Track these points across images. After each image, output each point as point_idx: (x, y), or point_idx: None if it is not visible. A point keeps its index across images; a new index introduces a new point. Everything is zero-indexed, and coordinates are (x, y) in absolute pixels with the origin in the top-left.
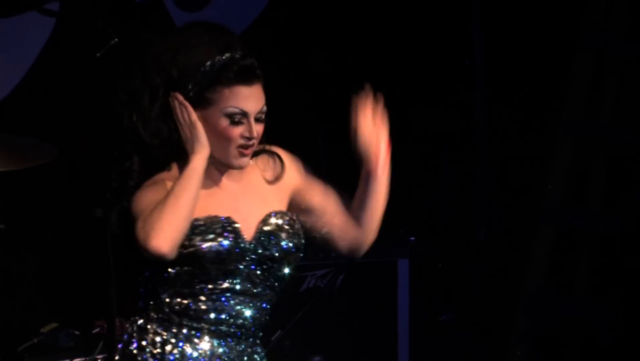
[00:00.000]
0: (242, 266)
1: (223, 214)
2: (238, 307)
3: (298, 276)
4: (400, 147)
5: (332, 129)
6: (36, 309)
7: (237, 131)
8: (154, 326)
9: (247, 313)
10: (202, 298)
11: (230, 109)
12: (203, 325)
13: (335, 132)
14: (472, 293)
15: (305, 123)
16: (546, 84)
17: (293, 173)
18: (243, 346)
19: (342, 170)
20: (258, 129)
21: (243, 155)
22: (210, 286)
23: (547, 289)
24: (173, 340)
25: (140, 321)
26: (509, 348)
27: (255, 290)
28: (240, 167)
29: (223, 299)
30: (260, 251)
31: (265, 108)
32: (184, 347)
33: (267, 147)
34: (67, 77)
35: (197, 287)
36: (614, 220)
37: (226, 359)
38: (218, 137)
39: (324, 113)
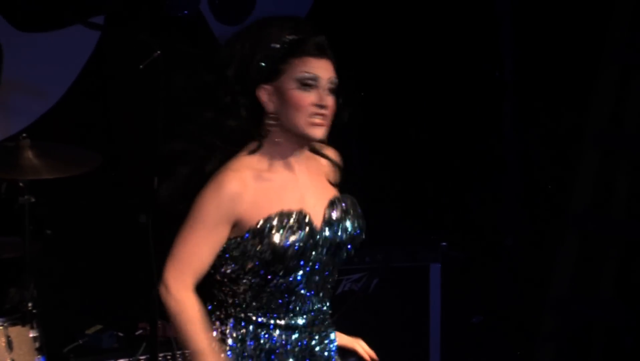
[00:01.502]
0: (315, 253)
1: (294, 207)
2: (309, 296)
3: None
4: (432, 156)
5: (367, 135)
6: (81, 311)
7: (309, 97)
8: (233, 321)
9: (317, 301)
10: (278, 293)
11: (301, 74)
12: (277, 320)
13: (370, 137)
14: (501, 297)
15: (340, 128)
16: (573, 95)
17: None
18: (316, 333)
19: (376, 174)
20: (329, 100)
21: (316, 125)
22: (286, 279)
23: (573, 293)
24: (252, 335)
25: (220, 314)
26: (537, 350)
27: (325, 274)
28: (316, 138)
29: (298, 290)
30: (330, 236)
31: (336, 80)
32: (261, 338)
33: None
34: (111, 88)
35: (273, 282)
36: (638, 227)
37: (299, 345)
38: (291, 107)
39: (357, 119)
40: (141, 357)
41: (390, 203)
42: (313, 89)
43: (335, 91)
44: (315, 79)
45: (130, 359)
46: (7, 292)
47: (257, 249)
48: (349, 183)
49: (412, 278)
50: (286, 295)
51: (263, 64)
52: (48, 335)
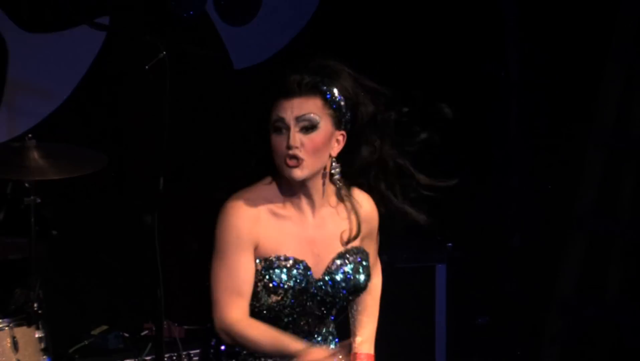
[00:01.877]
0: (308, 301)
1: (295, 253)
2: (308, 333)
3: None
4: (437, 156)
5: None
6: (87, 312)
7: (280, 140)
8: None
9: (318, 338)
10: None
11: (273, 118)
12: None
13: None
14: (507, 298)
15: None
16: (578, 96)
17: (373, 223)
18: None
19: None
20: (303, 139)
21: (288, 166)
22: (276, 315)
23: (579, 293)
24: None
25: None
26: (543, 350)
27: (318, 323)
28: (292, 179)
29: (289, 328)
30: (328, 287)
31: (310, 116)
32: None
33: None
34: (117, 88)
35: (264, 313)
36: None
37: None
38: (273, 152)
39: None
40: (147, 358)
41: (394, 203)
42: (284, 132)
43: (314, 126)
44: (281, 120)
45: (136, 359)
46: (13, 293)
47: (257, 279)
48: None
49: (418, 279)
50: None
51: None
52: (54, 336)
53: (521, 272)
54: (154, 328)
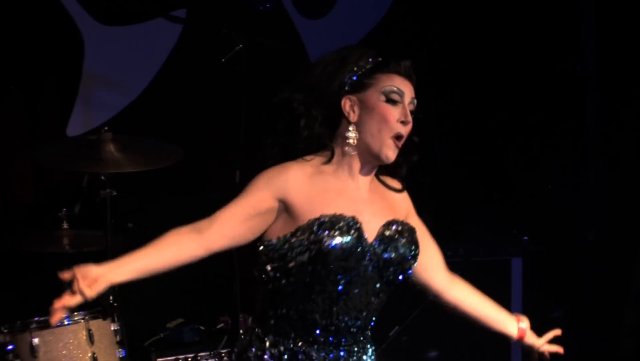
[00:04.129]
0: (361, 266)
1: (347, 213)
2: (350, 316)
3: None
4: (515, 152)
5: (447, 133)
6: (162, 305)
7: (394, 111)
8: (271, 337)
9: (357, 323)
10: (318, 304)
11: (388, 87)
12: (316, 337)
13: (449, 136)
14: (583, 291)
15: (422, 127)
16: None
17: (408, 202)
18: (355, 349)
19: (458, 169)
20: (411, 118)
21: (396, 147)
22: (327, 289)
23: None
24: (289, 352)
25: (259, 330)
26: (619, 344)
27: (367, 296)
28: (389, 160)
29: (339, 303)
30: (379, 252)
31: (416, 101)
32: (299, 358)
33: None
34: (193, 81)
35: (316, 289)
36: None
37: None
38: (375, 119)
39: (439, 118)
40: (222, 351)
41: (471, 198)
42: (398, 105)
43: (413, 113)
44: (401, 94)
45: (211, 352)
46: None
47: (303, 244)
48: (431, 178)
49: (494, 272)
50: (326, 311)
51: (349, 75)
52: (129, 329)
53: (597, 266)
54: (229, 321)
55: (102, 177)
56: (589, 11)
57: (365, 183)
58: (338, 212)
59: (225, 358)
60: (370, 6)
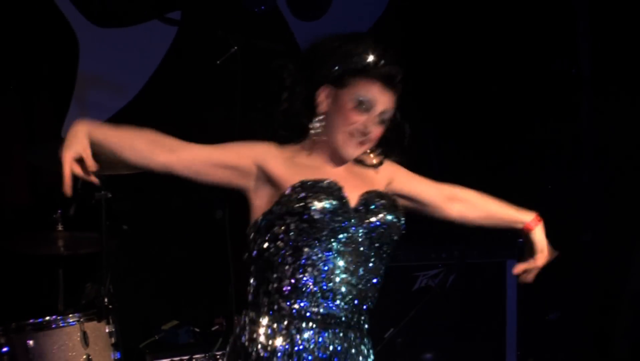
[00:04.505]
0: (349, 229)
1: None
2: (344, 283)
3: (411, 275)
4: (510, 153)
5: (443, 133)
6: (157, 307)
7: (359, 118)
8: (265, 319)
9: (353, 285)
10: (310, 270)
11: (361, 96)
12: (312, 312)
13: (445, 136)
14: (578, 293)
15: (417, 128)
16: None
17: (390, 166)
18: (352, 336)
19: (452, 170)
20: (376, 131)
21: (358, 145)
22: (316, 251)
23: None
24: (284, 332)
25: (252, 314)
26: (614, 346)
27: (360, 263)
28: (349, 157)
29: (330, 266)
30: (364, 218)
31: (389, 115)
32: (294, 338)
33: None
34: (188, 83)
35: (305, 252)
36: None
37: (335, 348)
38: (340, 119)
39: (435, 118)
40: (217, 353)
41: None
42: (364, 115)
43: (385, 123)
44: (371, 105)
45: (207, 355)
46: (84, 287)
47: (289, 208)
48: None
49: (489, 274)
50: (317, 276)
51: (336, 67)
52: (124, 331)
53: (592, 268)
54: (224, 323)
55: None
56: (584, 13)
57: (339, 165)
58: (319, 177)
59: (220, 360)
60: (365, 8)
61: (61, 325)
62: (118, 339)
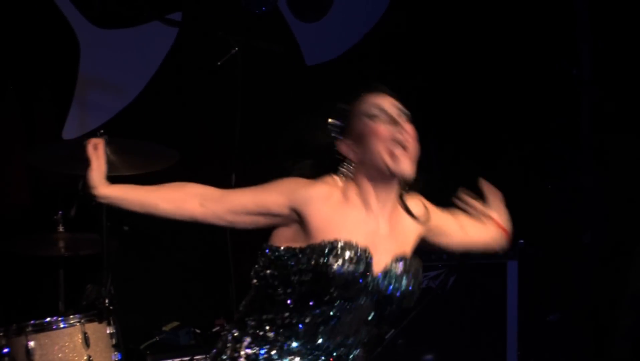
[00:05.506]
0: (360, 297)
1: (361, 242)
2: (334, 340)
3: None
4: (510, 154)
5: (443, 135)
6: (158, 308)
7: (386, 128)
8: (247, 340)
9: (340, 349)
10: (306, 319)
11: (374, 108)
12: (292, 348)
13: (445, 137)
14: (578, 294)
15: (418, 130)
16: None
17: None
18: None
19: (453, 172)
20: (409, 130)
21: (402, 154)
22: (321, 309)
23: None
24: (266, 356)
25: (236, 333)
26: (614, 347)
27: (358, 325)
28: (399, 169)
29: (328, 325)
30: (382, 286)
31: (403, 108)
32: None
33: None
34: (189, 84)
35: (310, 306)
36: None
37: None
38: (371, 142)
39: (435, 120)
40: None
41: None
42: (387, 123)
43: (410, 118)
44: (386, 110)
45: (207, 356)
46: (85, 289)
47: (311, 263)
48: (426, 180)
49: (490, 275)
50: (312, 329)
51: (334, 121)
52: (125, 332)
53: (592, 269)
54: (225, 324)
55: None
56: (584, 14)
57: (385, 211)
58: (353, 241)
59: None
60: (366, 10)
61: (62, 326)
62: (119, 340)
